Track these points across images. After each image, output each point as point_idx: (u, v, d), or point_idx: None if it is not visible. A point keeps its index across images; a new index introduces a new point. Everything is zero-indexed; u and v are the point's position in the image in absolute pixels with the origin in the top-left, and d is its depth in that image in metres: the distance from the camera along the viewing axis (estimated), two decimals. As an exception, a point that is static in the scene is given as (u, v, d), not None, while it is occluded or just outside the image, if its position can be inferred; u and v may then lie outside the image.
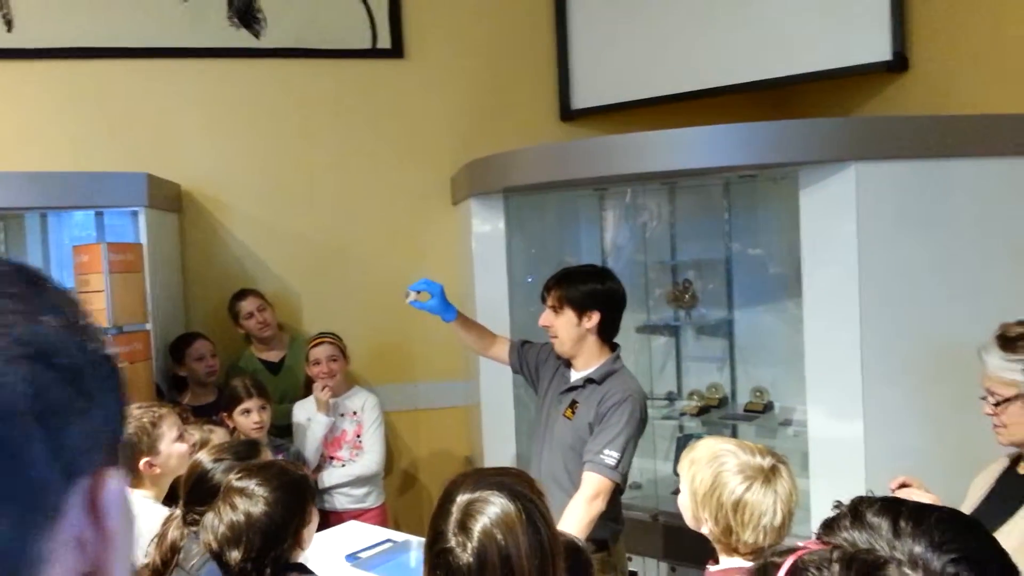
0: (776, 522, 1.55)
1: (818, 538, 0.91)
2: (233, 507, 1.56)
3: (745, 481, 1.57)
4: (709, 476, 1.60)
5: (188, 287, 3.74)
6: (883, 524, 0.85)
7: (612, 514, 2.37)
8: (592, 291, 2.42)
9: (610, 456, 2.26)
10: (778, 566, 1.19)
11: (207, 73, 3.75)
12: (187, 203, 3.74)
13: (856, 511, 0.88)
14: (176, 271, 3.65)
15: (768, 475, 1.58)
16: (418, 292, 2.76)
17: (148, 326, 3.09)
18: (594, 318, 2.42)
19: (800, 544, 1.22)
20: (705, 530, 1.63)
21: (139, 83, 3.68)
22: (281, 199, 3.85)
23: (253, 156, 3.82)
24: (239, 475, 1.64)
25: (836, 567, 0.85)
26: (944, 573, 0.81)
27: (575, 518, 2.22)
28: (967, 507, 1.89)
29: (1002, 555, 0.87)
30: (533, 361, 2.66)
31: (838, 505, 0.92)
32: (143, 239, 3.16)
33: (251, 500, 1.56)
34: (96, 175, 3.17)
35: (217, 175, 3.78)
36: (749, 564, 1.56)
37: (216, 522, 1.55)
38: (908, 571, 0.83)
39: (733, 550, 1.60)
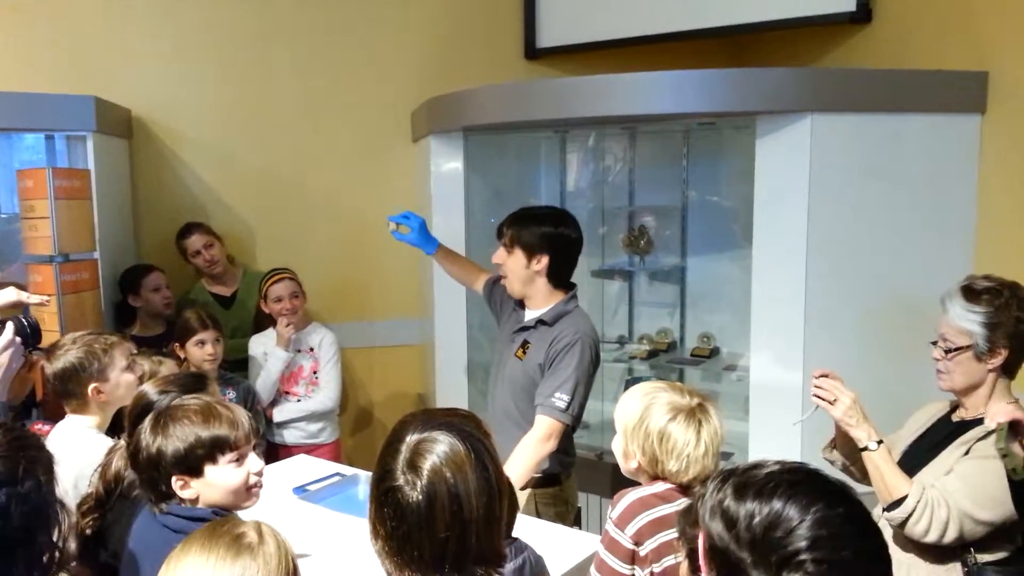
0: (699, 452, 1.67)
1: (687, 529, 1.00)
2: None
3: (669, 413, 1.69)
4: (638, 411, 1.72)
5: (139, 216, 3.65)
6: (742, 515, 0.92)
7: (563, 447, 2.42)
8: (543, 234, 2.41)
9: (560, 399, 2.30)
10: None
11: (161, -6, 3.60)
12: (138, 129, 3.63)
13: (722, 503, 0.94)
14: (126, 199, 3.55)
15: (693, 411, 1.70)
16: (398, 224, 2.76)
17: (96, 255, 3.02)
18: (543, 261, 2.42)
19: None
20: (633, 465, 1.74)
21: (90, 2, 3.52)
22: (237, 129, 3.75)
23: (208, 83, 3.70)
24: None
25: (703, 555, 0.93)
26: None
27: (524, 457, 2.29)
28: (903, 436, 2.02)
29: (882, 551, 0.92)
30: (499, 298, 2.68)
31: (703, 489, 0.99)
32: (91, 165, 3.07)
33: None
34: (41, 96, 3.04)
35: (170, 101, 3.66)
36: (668, 486, 1.69)
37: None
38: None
39: (662, 479, 1.71)
